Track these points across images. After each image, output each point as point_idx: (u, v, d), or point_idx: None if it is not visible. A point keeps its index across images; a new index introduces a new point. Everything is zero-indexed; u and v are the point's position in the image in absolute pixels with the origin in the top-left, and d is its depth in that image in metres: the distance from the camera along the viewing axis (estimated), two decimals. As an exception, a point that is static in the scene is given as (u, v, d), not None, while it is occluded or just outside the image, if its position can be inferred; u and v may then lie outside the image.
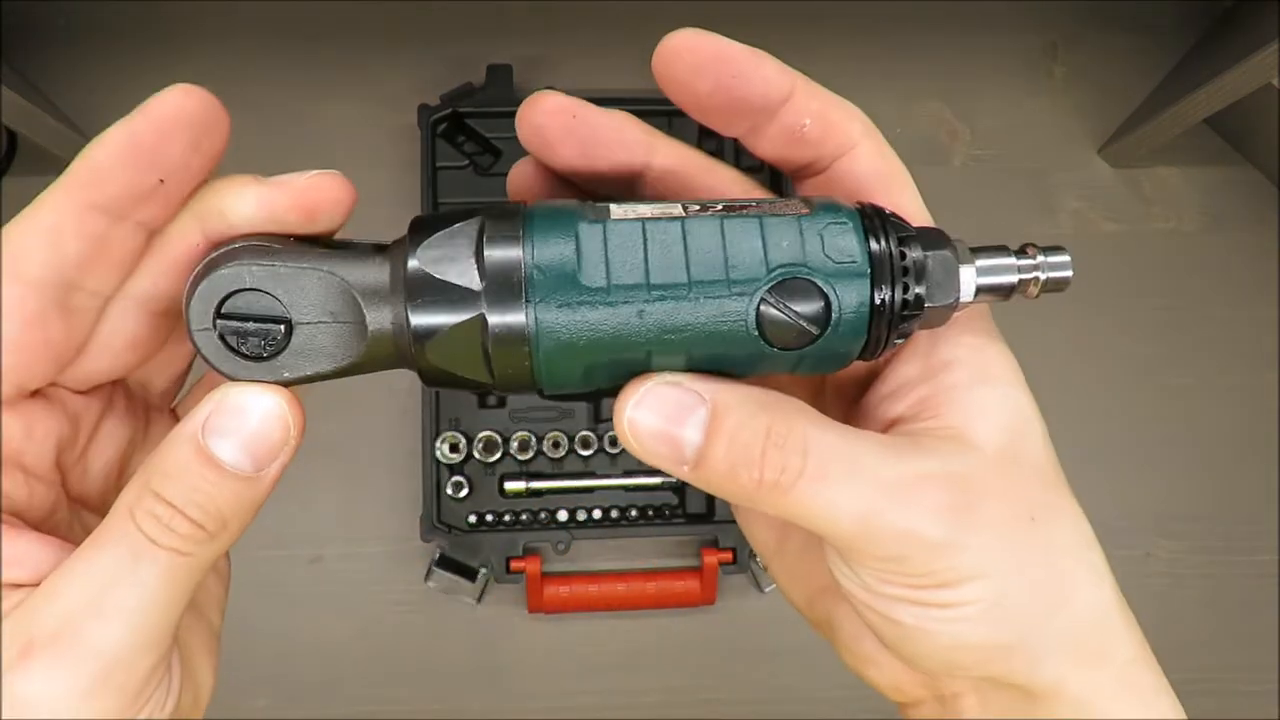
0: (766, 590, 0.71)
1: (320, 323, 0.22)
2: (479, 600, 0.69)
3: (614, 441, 0.71)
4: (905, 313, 0.23)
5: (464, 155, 0.73)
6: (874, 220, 0.23)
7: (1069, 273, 0.25)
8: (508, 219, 0.22)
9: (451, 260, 0.22)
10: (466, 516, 0.70)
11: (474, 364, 0.22)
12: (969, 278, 0.24)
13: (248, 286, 0.22)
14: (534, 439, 0.71)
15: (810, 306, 0.22)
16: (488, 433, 0.70)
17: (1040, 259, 0.24)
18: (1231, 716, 0.72)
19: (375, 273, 0.22)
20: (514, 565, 0.69)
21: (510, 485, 0.70)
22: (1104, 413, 0.77)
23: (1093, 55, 0.82)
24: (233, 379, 0.22)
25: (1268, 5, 0.69)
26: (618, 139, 0.25)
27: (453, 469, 0.70)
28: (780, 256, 0.22)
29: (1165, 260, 0.79)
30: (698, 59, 0.25)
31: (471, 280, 0.22)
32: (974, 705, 0.26)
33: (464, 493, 0.70)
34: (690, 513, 0.71)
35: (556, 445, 0.71)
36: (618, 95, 0.76)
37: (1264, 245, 0.80)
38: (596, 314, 0.22)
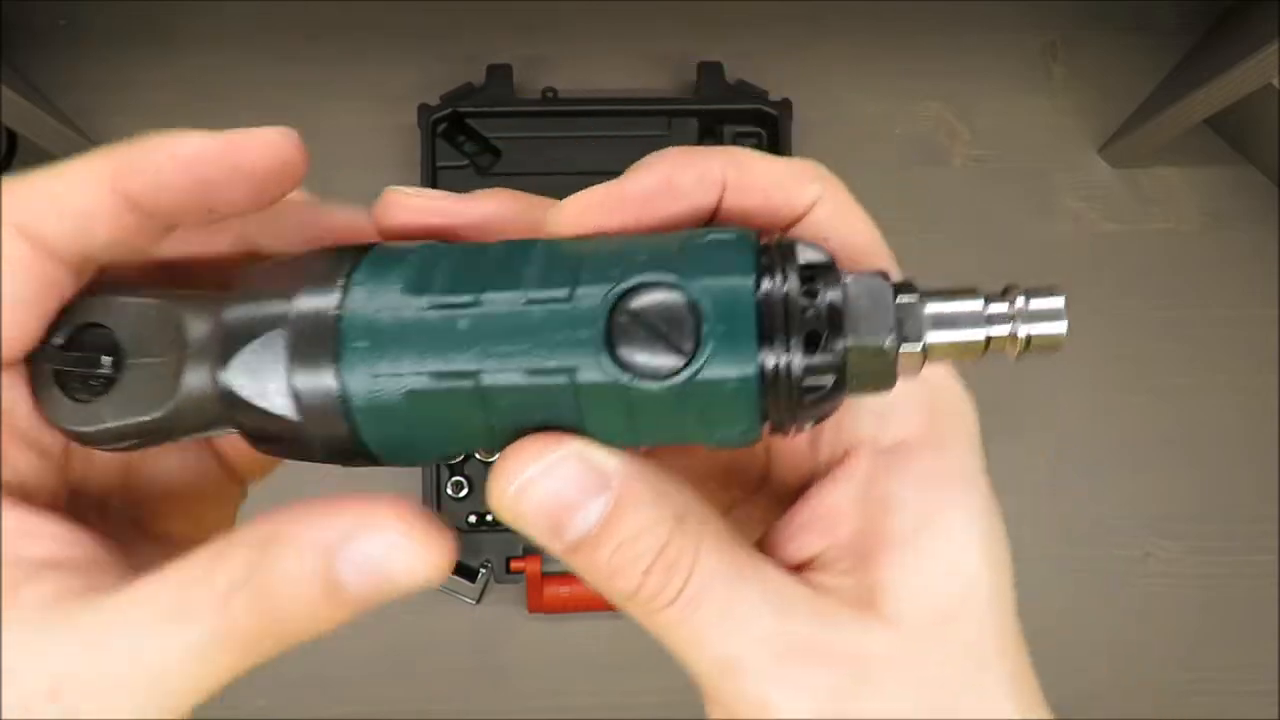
0: (766, 590, 0.71)
1: (147, 362, 0.20)
2: (479, 600, 0.69)
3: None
4: (816, 355, 0.18)
5: (464, 155, 0.73)
6: (774, 252, 0.18)
7: (1061, 326, 0.19)
8: (349, 253, 0.20)
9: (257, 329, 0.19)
10: (466, 516, 0.70)
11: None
12: (914, 314, 0.19)
13: (93, 321, 0.20)
14: (534, 439, 0.71)
15: (673, 318, 0.17)
16: (488, 433, 0.70)
17: (1020, 304, 0.19)
18: (1231, 716, 0.72)
19: (209, 312, 0.20)
20: (514, 565, 0.69)
21: (510, 485, 0.70)
22: (1103, 413, 0.77)
23: (1093, 55, 0.82)
24: (50, 420, 0.20)
25: (1268, 5, 0.69)
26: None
27: (452, 468, 0.70)
28: (642, 266, 0.18)
29: (1165, 260, 0.79)
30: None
31: (278, 322, 0.19)
32: None
33: (464, 492, 0.70)
34: (690, 513, 0.71)
35: (556, 445, 0.71)
36: (618, 95, 0.76)
37: (1264, 245, 0.80)
38: (410, 333, 0.18)
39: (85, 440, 0.20)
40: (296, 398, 0.19)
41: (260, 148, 0.20)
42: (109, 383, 0.20)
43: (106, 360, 0.20)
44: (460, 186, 0.84)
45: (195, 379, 0.19)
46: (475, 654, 0.71)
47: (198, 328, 0.20)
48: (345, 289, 0.19)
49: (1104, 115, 0.81)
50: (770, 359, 0.18)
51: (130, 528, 0.24)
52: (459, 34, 0.78)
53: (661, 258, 0.18)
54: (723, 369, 0.17)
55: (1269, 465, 0.77)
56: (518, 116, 0.73)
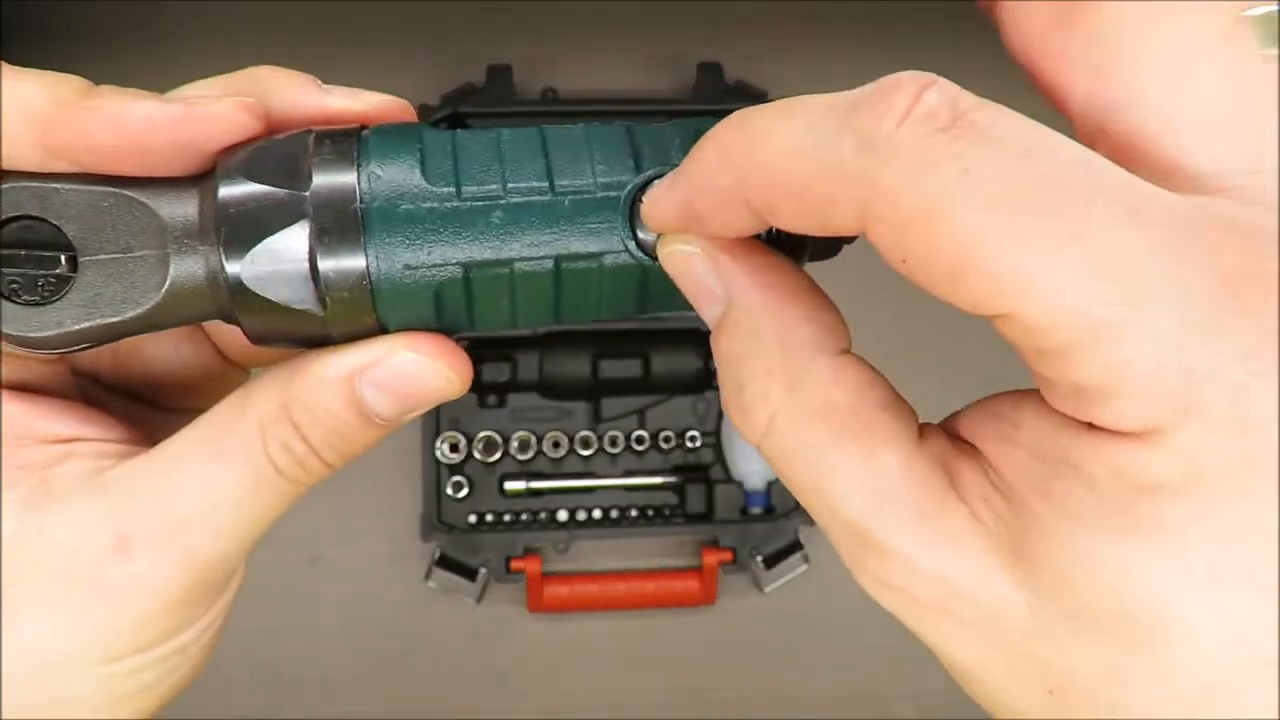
0: (766, 590, 0.71)
1: (113, 258, 0.19)
2: (479, 600, 0.69)
3: (614, 441, 0.71)
4: None
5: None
6: None
7: None
8: (343, 136, 0.19)
9: (270, 191, 0.18)
10: (466, 516, 0.71)
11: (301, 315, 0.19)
12: None
13: (27, 214, 0.18)
14: (534, 439, 0.71)
15: None
16: (488, 432, 0.70)
17: None
18: (1231, 716, 0.72)
19: (184, 203, 0.19)
20: (514, 565, 0.69)
21: (510, 485, 0.70)
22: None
23: (1093, 55, 0.82)
24: None
25: (1268, 5, 0.69)
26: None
27: (453, 469, 0.70)
28: (650, 159, 0.20)
29: (1165, 260, 0.79)
30: None
31: (295, 212, 0.18)
32: None
33: (464, 492, 0.70)
34: (690, 512, 0.71)
35: (556, 445, 0.71)
36: (618, 96, 0.76)
37: (1264, 245, 0.80)
38: (445, 224, 0.19)
39: (37, 345, 0.19)
40: (324, 290, 0.18)
41: (217, 122, 0.19)
42: (62, 282, 0.18)
43: (61, 259, 0.18)
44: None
45: (186, 271, 0.19)
46: (475, 654, 0.71)
47: (179, 217, 0.19)
48: (362, 176, 0.19)
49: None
50: None
51: (145, 408, 0.25)
52: (459, 34, 0.78)
53: (663, 149, 0.20)
54: None
55: (1269, 465, 0.77)
56: (518, 116, 0.73)
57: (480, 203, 0.19)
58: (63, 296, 0.18)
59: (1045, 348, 0.14)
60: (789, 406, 0.17)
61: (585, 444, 0.71)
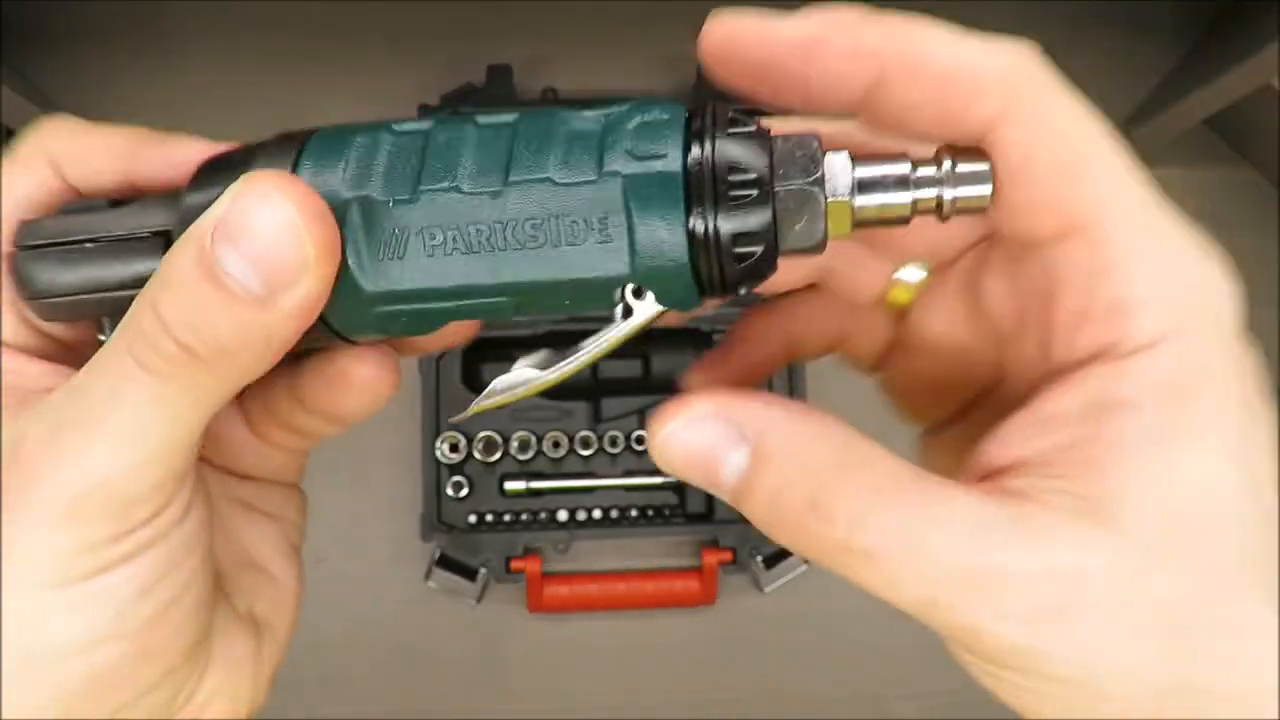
0: (766, 590, 0.71)
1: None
2: (479, 600, 0.69)
3: (614, 441, 0.71)
4: (742, 212, 0.18)
5: (464, 155, 0.73)
6: (706, 119, 0.20)
7: (986, 189, 0.19)
8: (282, 149, 0.21)
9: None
10: (466, 516, 0.71)
11: None
12: (842, 167, 0.19)
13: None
14: (534, 439, 0.71)
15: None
16: (487, 432, 0.70)
17: (946, 168, 0.19)
18: (1231, 716, 0.72)
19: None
20: (514, 565, 0.69)
21: (510, 485, 0.70)
22: (1104, 413, 0.77)
23: (1093, 55, 0.82)
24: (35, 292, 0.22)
25: (1267, 5, 0.69)
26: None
27: (453, 469, 0.70)
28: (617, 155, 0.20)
29: (1165, 260, 0.79)
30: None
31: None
32: None
33: (464, 492, 0.70)
34: (690, 512, 0.71)
35: (556, 445, 0.71)
36: (618, 95, 0.76)
37: (1264, 246, 0.80)
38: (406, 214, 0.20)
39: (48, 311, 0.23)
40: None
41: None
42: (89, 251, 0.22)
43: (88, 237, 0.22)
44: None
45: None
46: (475, 654, 0.71)
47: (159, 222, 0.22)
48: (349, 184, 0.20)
49: (1104, 115, 0.81)
50: (698, 224, 0.19)
51: None
52: (459, 35, 0.78)
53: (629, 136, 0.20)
54: (656, 240, 0.19)
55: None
56: (519, 117, 0.73)
57: (471, 196, 0.20)
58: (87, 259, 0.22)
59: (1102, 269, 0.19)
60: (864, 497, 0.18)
61: (585, 444, 0.71)
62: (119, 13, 0.77)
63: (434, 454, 0.69)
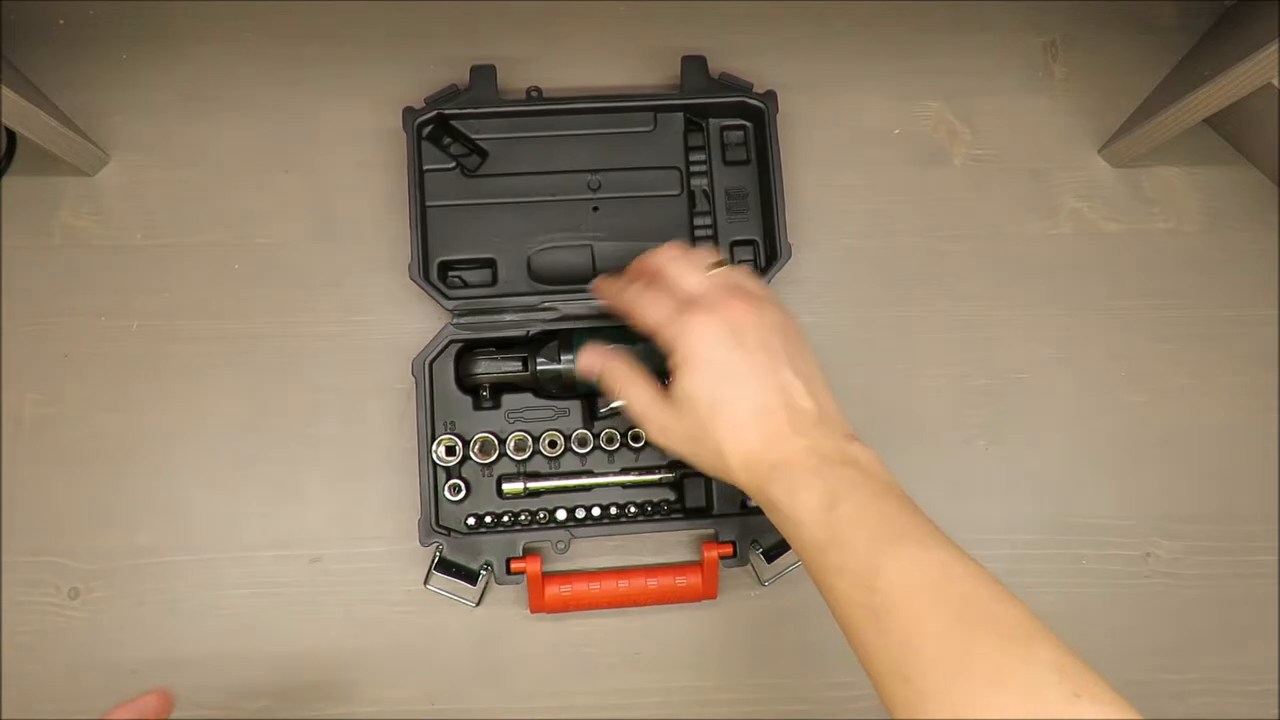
0: (767, 583, 0.71)
1: None
2: (480, 603, 0.69)
3: (610, 439, 0.71)
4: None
5: (450, 157, 0.72)
6: None
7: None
8: None
9: None
10: (465, 519, 0.70)
11: None
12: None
13: None
14: (530, 439, 0.71)
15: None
16: (483, 434, 0.70)
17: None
18: (1231, 716, 0.72)
19: None
20: (514, 566, 0.69)
21: (508, 486, 0.70)
22: (1103, 412, 0.77)
23: (1093, 55, 0.82)
24: None
25: (1268, 5, 0.69)
26: None
27: (449, 471, 0.70)
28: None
29: (1165, 260, 0.79)
30: None
31: None
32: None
33: (461, 495, 0.70)
34: (689, 508, 0.71)
35: (553, 444, 0.71)
36: (603, 93, 0.76)
37: (1264, 245, 0.80)
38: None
39: None
40: None
41: None
42: None
43: None
44: (448, 189, 0.86)
45: None
46: (476, 654, 0.71)
47: None
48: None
49: (1104, 115, 0.81)
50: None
51: None
52: (442, 36, 0.78)
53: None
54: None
55: (1269, 465, 0.77)
56: (503, 117, 0.73)
57: None
58: None
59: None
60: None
61: (582, 442, 0.71)
62: (119, 13, 0.77)
63: (430, 457, 0.69)
